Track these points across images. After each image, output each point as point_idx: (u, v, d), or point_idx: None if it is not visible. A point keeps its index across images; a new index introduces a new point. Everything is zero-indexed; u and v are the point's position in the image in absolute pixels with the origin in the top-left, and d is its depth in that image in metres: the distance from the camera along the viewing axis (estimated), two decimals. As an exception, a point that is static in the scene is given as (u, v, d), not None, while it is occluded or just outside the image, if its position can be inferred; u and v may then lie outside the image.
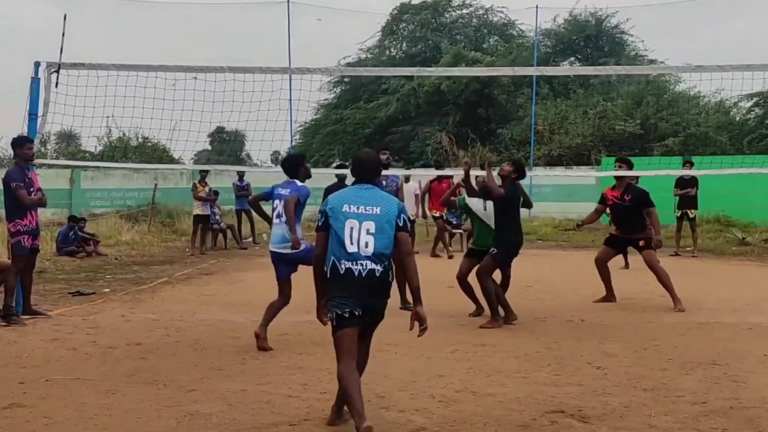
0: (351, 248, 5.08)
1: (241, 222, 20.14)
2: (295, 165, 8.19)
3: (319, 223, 5.23)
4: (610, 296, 10.32)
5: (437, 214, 17.05)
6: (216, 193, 19.14)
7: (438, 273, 13.30)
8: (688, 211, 17.03)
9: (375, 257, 5.08)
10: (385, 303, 5.21)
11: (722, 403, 5.62)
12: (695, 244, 17.31)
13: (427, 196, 17.75)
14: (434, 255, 16.72)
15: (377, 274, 5.06)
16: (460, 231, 17.35)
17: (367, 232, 5.12)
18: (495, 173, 9.29)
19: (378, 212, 5.16)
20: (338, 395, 5.21)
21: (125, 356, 7.15)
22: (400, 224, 5.19)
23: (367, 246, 5.09)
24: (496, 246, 8.99)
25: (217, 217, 19.34)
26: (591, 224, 11.56)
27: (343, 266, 5.08)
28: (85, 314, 9.39)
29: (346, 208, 5.18)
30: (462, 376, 6.41)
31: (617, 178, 10.35)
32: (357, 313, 5.05)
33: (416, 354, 7.21)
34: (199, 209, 18.26)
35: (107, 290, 11.56)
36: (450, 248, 17.29)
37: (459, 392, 5.90)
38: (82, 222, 17.51)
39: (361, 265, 5.06)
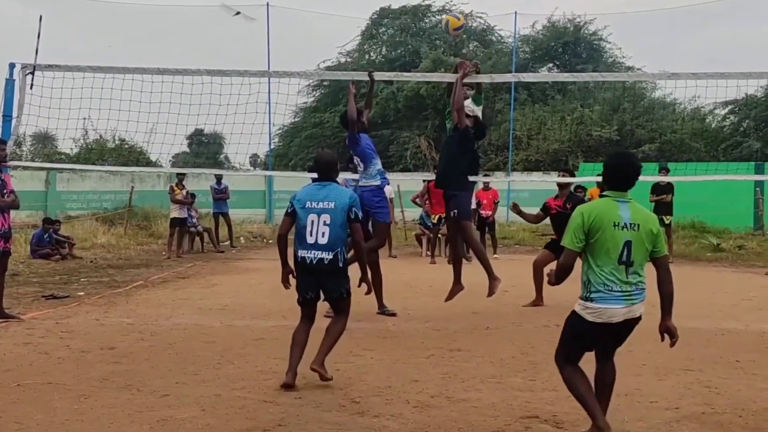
0: (310, 239, 6.19)
1: (218, 225, 20.08)
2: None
3: (288, 211, 6.36)
4: (539, 300, 10.47)
5: (435, 221, 17.04)
6: (193, 196, 19.06)
7: (415, 276, 13.34)
8: (664, 217, 17.11)
9: (328, 246, 6.16)
10: (340, 284, 6.29)
11: (695, 408, 5.67)
12: (670, 250, 17.32)
13: (406, 199, 17.77)
14: (433, 259, 16.63)
15: (325, 262, 6.17)
16: (438, 236, 17.39)
17: (324, 224, 6.17)
18: None
19: (332, 206, 6.21)
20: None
21: (98, 360, 7.08)
22: (352, 216, 6.25)
23: (323, 236, 6.17)
24: (453, 206, 8.99)
25: (194, 220, 19.26)
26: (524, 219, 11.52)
27: (299, 255, 6.24)
28: (58, 318, 9.29)
29: (308, 204, 6.27)
30: (437, 381, 6.41)
31: (560, 186, 10.70)
32: (310, 296, 6.30)
33: (391, 359, 7.21)
34: (176, 212, 18.16)
35: (81, 293, 11.46)
36: (428, 253, 17.35)
37: (434, 397, 5.90)
38: (57, 224, 17.35)
39: (313, 254, 6.18)
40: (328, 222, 6.18)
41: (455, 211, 8.99)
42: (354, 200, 6.35)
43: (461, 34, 8.76)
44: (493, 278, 8.91)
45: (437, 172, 9.76)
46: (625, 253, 4.66)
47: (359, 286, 6.81)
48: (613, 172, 4.82)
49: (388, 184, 9.79)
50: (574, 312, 4.84)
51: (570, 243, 4.72)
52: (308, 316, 6.44)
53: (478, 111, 9.75)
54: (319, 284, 6.28)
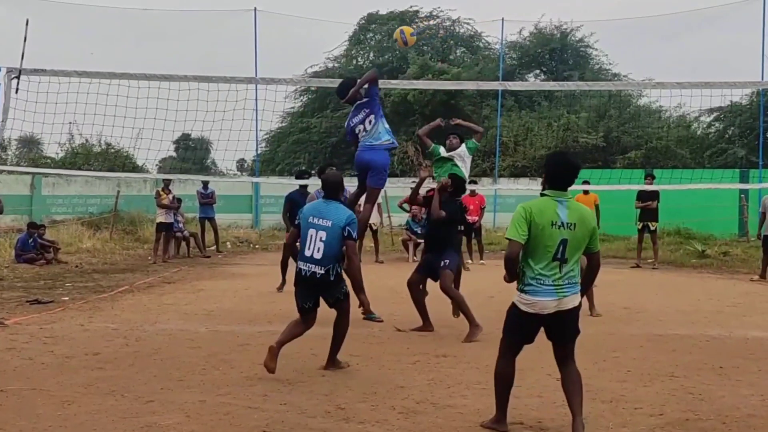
0: (307, 252, 6.71)
1: (204, 230, 20.01)
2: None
3: (296, 222, 7.02)
4: None
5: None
6: (179, 200, 18.99)
7: (401, 282, 13.31)
8: (649, 224, 17.23)
9: (321, 261, 6.65)
10: (335, 292, 6.80)
11: (679, 415, 5.69)
12: (656, 256, 17.52)
13: (393, 205, 17.73)
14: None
15: (317, 276, 6.67)
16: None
17: (320, 240, 6.67)
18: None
19: (329, 225, 6.71)
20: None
21: (82, 366, 7.05)
22: (345, 234, 6.72)
23: (318, 251, 6.67)
24: (446, 257, 8.93)
25: (181, 225, 19.18)
26: None
27: (298, 266, 6.82)
28: (42, 323, 9.25)
29: (310, 218, 6.79)
30: (423, 387, 6.41)
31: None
32: (308, 306, 6.78)
33: (377, 365, 7.22)
34: (162, 217, 18.09)
35: (66, 299, 11.40)
36: (415, 258, 17.35)
37: (419, 403, 5.90)
38: (42, 229, 17.24)
39: (307, 267, 6.71)
40: (324, 239, 6.68)
41: (447, 261, 8.89)
42: (350, 221, 6.78)
43: (417, 37, 8.84)
44: (474, 325, 8.63)
45: (426, 237, 9.68)
46: (560, 250, 4.94)
47: (359, 307, 7.04)
48: (552, 171, 5.11)
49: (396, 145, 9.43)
50: (512, 303, 5.20)
51: (515, 235, 4.96)
52: (306, 321, 6.91)
53: (468, 159, 9.64)
54: (315, 294, 6.79)
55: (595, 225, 5.14)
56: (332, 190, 7.04)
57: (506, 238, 5.07)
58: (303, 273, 6.75)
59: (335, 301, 6.87)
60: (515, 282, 5.19)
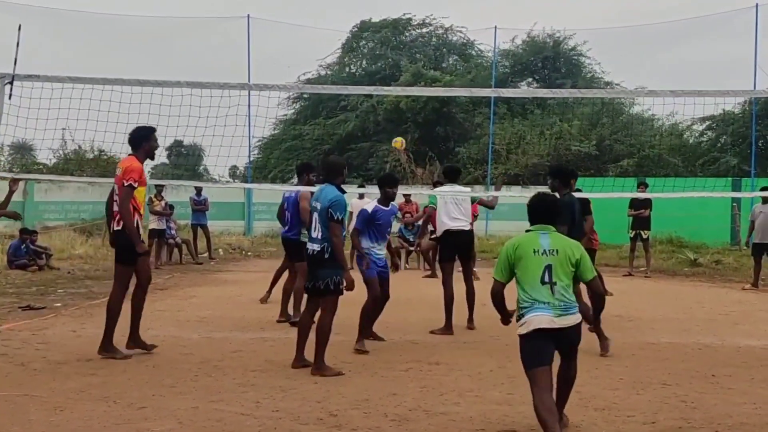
0: (313, 234, 7.28)
1: (196, 237, 19.99)
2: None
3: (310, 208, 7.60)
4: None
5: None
6: (172, 207, 18.97)
7: (393, 291, 13.30)
8: (642, 232, 17.28)
9: (318, 240, 7.19)
10: (328, 273, 7.12)
11: (671, 423, 5.70)
12: (648, 265, 17.57)
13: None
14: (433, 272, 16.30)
15: (315, 253, 7.21)
16: (415, 249, 17.46)
17: (317, 221, 7.22)
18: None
19: (319, 207, 7.24)
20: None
21: (75, 372, 7.03)
22: (327, 216, 7.13)
23: (317, 231, 7.21)
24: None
25: (173, 231, 19.16)
26: None
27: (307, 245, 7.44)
28: (34, 329, 9.22)
29: (312, 203, 7.41)
30: (415, 394, 6.41)
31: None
32: (309, 285, 7.28)
33: (370, 372, 7.21)
34: (154, 223, 18.09)
35: (59, 305, 11.37)
36: (407, 265, 17.37)
37: (412, 411, 5.89)
38: (34, 235, 17.20)
39: (311, 246, 7.28)
40: (319, 220, 7.21)
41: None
42: (332, 202, 7.16)
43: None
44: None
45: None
46: (546, 274, 5.18)
47: (347, 290, 7.28)
48: (530, 211, 5.50)
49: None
50: (519, 336, 5.22)
51: (496, 275, 5.37)
52: (310, 307, 7.44)
53: (462, 203, 9.76)
54: (314, 272, 7.21)
55: (583, 254, 5.34)
56: (327, 173, 7.48)
57: (492, 277, 5.38)
58: (308, 251, 7.33)
59: (325, 286, 7.12)
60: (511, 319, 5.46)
